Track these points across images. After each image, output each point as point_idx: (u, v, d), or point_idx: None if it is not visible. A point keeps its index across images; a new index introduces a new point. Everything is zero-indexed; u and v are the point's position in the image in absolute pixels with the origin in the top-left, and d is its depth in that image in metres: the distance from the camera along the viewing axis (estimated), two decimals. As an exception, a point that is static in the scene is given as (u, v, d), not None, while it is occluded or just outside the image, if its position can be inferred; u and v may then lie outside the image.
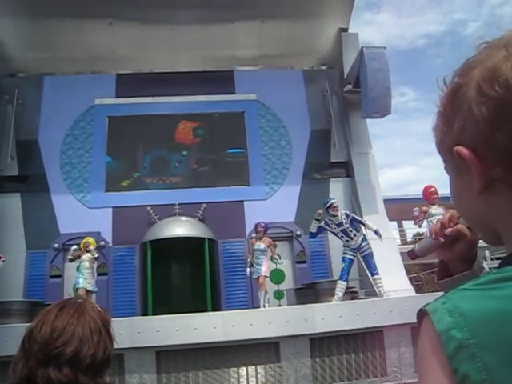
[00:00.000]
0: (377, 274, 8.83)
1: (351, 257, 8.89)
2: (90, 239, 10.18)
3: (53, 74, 13.61)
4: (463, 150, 0.62)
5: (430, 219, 9.43)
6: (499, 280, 0.57)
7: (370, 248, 8.90)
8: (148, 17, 12.83)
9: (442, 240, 0.98)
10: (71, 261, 10.14)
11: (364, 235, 9.00)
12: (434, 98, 0.70)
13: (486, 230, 0.68)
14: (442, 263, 1.04)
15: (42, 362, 1.17)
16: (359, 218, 9.29)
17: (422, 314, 0.61)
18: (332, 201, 9.11)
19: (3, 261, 9.78)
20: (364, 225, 9.14)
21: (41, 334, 1.21)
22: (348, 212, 9.33)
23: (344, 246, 9.08)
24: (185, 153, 13.28)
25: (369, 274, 9.20)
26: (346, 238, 8.90)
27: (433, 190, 9.57)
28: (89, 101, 13.22)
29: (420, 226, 9.81)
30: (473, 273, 0.94)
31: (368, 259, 8.90)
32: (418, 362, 0.61)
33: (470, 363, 0.53)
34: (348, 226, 8.89)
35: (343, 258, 9.02)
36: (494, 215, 0.64)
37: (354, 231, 8.89)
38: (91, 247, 9.99)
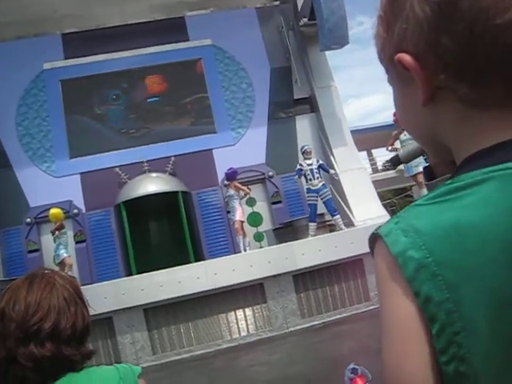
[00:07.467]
0: (336, 214, 9.99)
1: (314, 202, 10.04)
2: (55, 212, 10.05)
3: (-8, 42, 12.83)
4: (405, 57, 0.56)
5: (403, 145, 9.52)
6: (454, 190, 0.53)
7: (329, 194, 10.24)
8: (86, -32, 12.06)
9: None
10: (53, 234, 10.06)
11: (324, 183, 10.21)
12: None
13: (432, 144, 0.63)
14: (428, 167, 1.01)
15: (22, 340, 1.13)
16: (327, 167, 10.45)
17: (374, 238, 0.57)
18: (306, 147, 10.41)
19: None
20: (328, 172, 10.43)
21: (15, 311, 1.16)
22: (320, 160, 10.57)
23: (307, 192, 10.34)
24: (145, 108, 12.94)
25: (330, 216, 10.20)
26: (310, 177, 10.08)
27: None
28: (37, 66, 12.56)
29: (394, 150, 9.89)
30: None
31: (328, 203, 10.07)
32: (378, 292, 0.57)
33: (432, 283, 0.50)
34: (315, 168, 10.10)
35: (308, 204, 10.32)
36: (441, 126, 0.59)
37: (318, 174, 10.10)
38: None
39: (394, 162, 1.12)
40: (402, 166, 11.18)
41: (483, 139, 0.55)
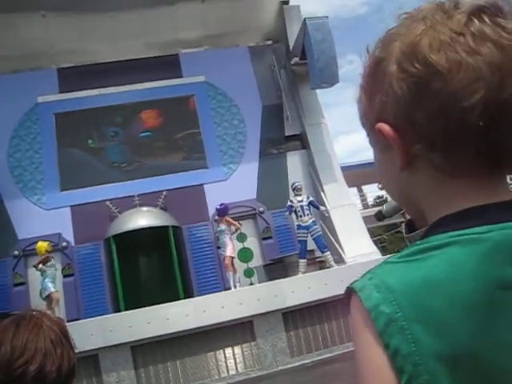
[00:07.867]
0: (327, 251, 10.12)
1: (304, 238, 10.15)
2: (40, 245, 9.98)
3: (-12, 75, 12.94)
4: (385, 128, 0.61)
5: None
6: (423, 250, 0.57)
7: (319, 231, 10.41)
8: (84, 5, 12.30)
9: None
10: (37, 268, 9.93)
11: (314, 220, 10.34)
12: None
13: (409, 204, 0.68)
14: (409, 220, 1.06)
15: (5, 383, 1.12)
16: (317, 204, 10.60)
17: (349, 292, 0.60)
18: (296, 183, 10.57)
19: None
20: (318, 209, 10.56)
21: (1, 354, 1.15)
22: (310, 196, 10.69)
23: (297, 228, 10.35)
24: (138, 142, 13.04)
25: (320, 252, 10.32)
26: (301, 214, 10.17)
27: None
28: (31, 99, 12.69)
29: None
30: None
31: (318, 240, 10.22)
32: (353, 342, 0.60)
33: (400, 336, 0.53)
34: (306, 204, 10.21)
35: (298, 240, 10.35)
36: (416, 190, 0.64)
37: (308, 211, 10.23)
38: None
39: (378, 218, 1.16)
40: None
41: (453, 205, 0.60)
